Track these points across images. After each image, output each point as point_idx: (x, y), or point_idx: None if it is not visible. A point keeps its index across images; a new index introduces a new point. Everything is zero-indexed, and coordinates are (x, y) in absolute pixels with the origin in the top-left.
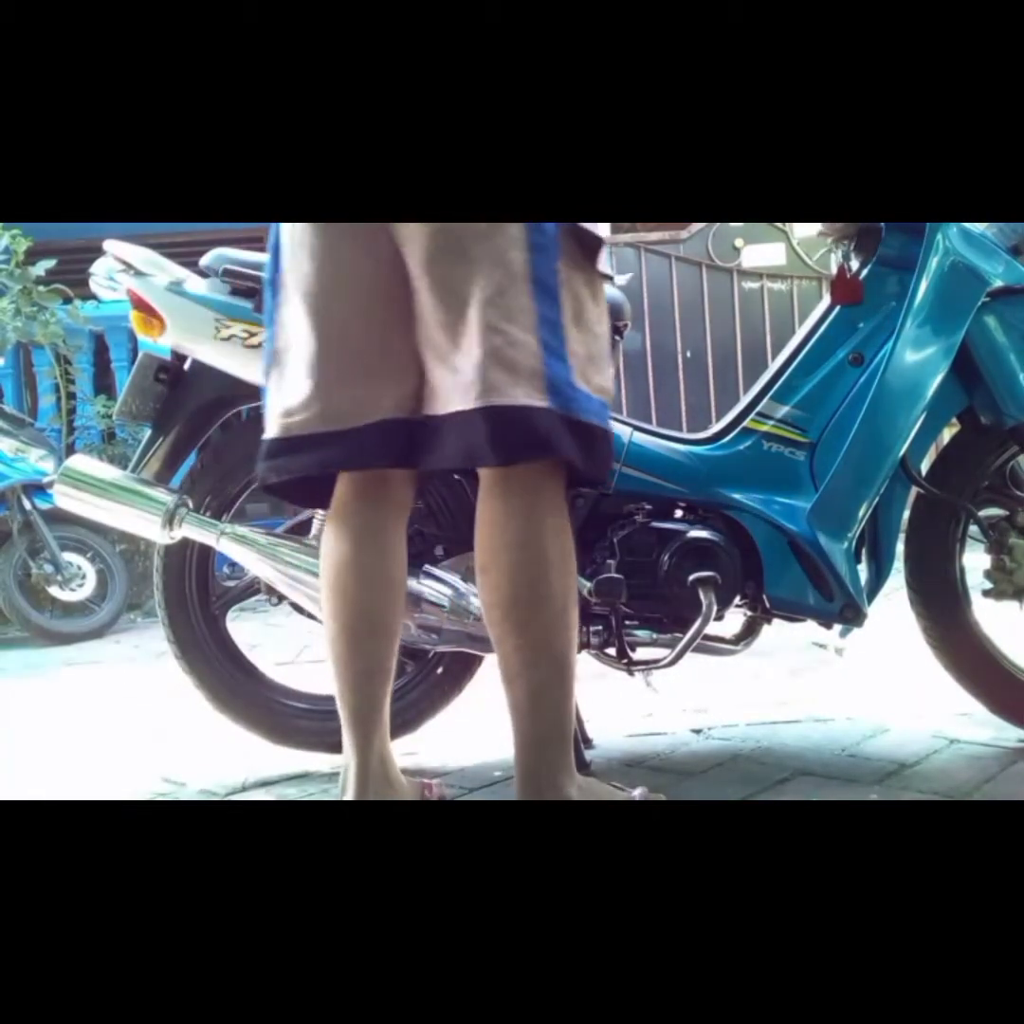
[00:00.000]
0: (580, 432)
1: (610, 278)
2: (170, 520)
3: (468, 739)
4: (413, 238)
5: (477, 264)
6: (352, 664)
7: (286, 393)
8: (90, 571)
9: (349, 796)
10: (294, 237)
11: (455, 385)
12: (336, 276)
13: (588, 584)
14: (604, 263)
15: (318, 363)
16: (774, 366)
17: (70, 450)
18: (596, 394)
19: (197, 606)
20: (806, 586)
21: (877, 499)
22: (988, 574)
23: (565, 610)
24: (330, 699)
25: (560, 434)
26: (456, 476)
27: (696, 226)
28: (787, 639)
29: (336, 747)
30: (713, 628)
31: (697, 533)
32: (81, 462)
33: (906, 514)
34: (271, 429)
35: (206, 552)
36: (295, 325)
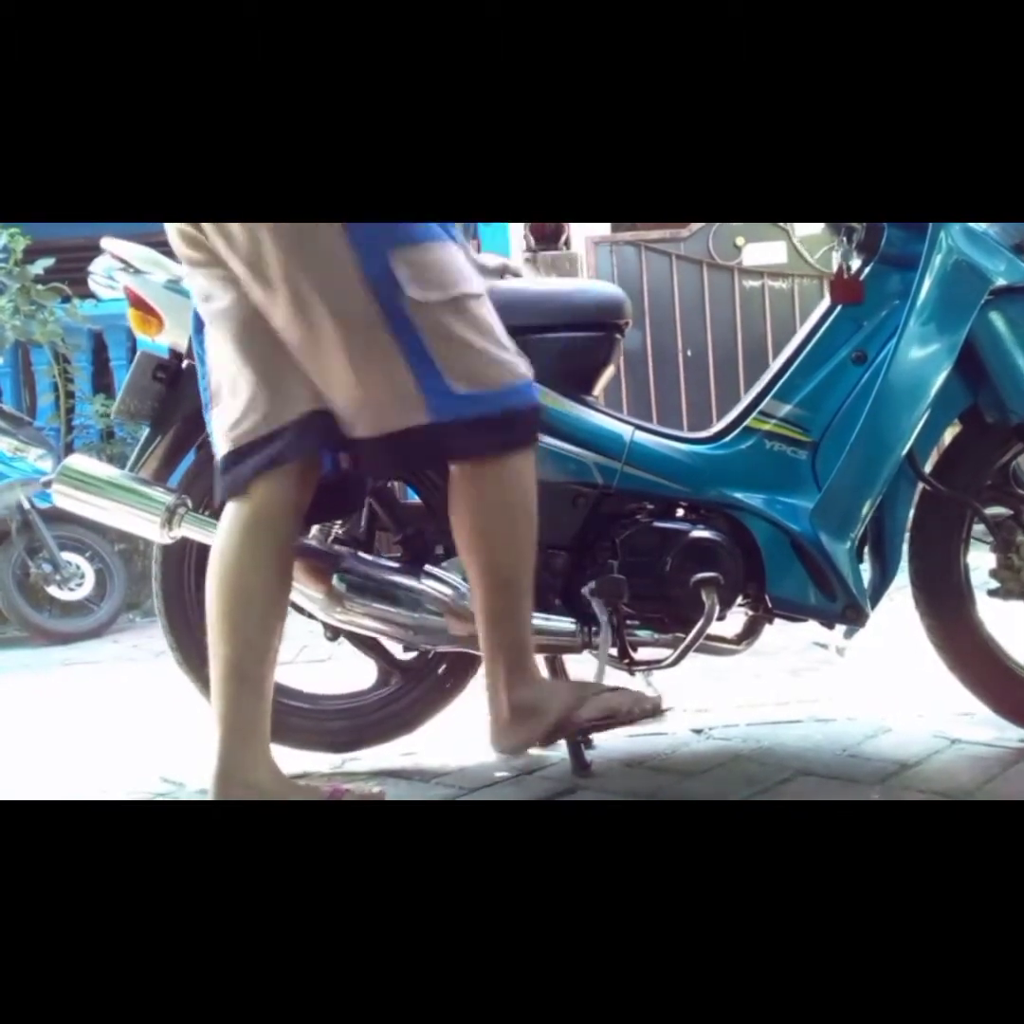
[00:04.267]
0: (476, 426)
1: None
2: (169, 519)
3: (468, 739)
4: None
5: (331, 327)
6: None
7: (229, 415)
8: (89, 570)
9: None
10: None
11: (352, 415)
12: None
13: (589, 584)
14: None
15: (247, 381)
16: (776, 365)
17: (69, 449)
18: (487, 388)
19: (196, 606)
20: (808, 586)
21: (880, 498)
22: (995, 573)
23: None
24: (328, 698)
25: (452, 438)
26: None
27: (697, 225)
28: (789, 639)
29: (334, 746)
30: (715, 628)
31: (699, 533)
32: (80, 461)
33: (910, 513)
34: (222, 447)
35: (205, 552)
36: (220, 360)
